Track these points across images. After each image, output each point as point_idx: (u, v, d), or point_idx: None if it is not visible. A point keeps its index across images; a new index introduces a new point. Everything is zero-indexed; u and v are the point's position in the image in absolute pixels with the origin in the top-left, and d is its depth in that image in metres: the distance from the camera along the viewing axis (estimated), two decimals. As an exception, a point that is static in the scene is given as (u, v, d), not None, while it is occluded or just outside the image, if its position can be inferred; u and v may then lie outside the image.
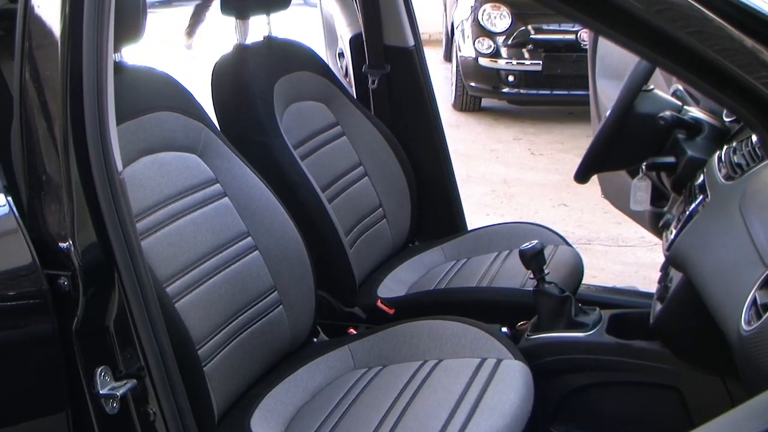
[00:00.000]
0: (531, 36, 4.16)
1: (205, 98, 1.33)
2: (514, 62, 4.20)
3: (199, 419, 0.84)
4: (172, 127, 1.09)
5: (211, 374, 0.99)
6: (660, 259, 1.14)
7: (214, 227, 1.09)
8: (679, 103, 1.18)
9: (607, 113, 1.22)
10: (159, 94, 1.11)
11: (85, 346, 0.73)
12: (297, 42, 1.65)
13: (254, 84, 1.40)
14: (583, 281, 1.54)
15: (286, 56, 1.57)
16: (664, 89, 1.30)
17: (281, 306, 1.16)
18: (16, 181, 0.75)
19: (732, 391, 1.00)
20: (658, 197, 1.34)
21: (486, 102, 4.76)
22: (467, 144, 4.10)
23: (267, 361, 1.13)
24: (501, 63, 4.23)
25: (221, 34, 1.92)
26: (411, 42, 1.77)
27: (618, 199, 1.85)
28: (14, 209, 0.71)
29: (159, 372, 0.75)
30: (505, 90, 4.25)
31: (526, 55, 4.19)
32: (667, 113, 1.11)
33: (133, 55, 1.06)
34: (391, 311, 1.40)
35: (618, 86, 1.20)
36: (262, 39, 1.53)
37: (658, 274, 1.16)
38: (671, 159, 1.12)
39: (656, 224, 1.24)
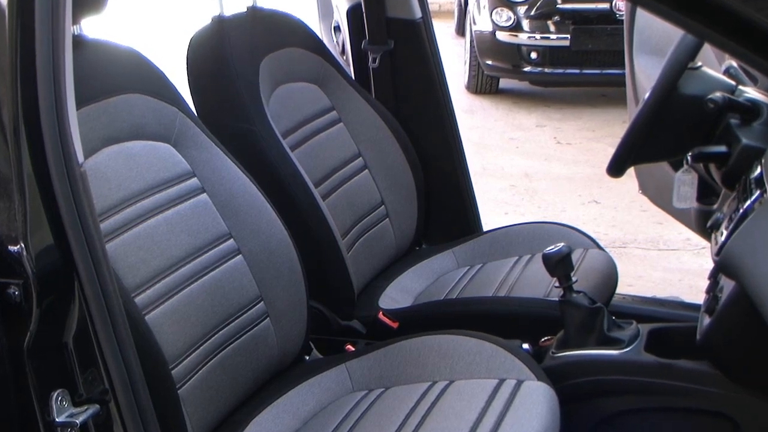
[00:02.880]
0: (557, 5, 4.15)
1: (181, 79, 1.33)
2: (538, 36, 4.19)
3: (173, 450, 0.83)
4: (141, 111, 1.08)
5: (187, 398, 0.98)
6: (708, 264, 1.13)
7: (190, 228, 1.09)
8: (733, 83, 1.17)
9: (647, 95, 1.20)
10: (126, 73, 1.10)
11: (39, 366, 0.73)
12: (286, 13, 1.65)
13: (236, 63, 1.40)
14: (618, 290, 1.53)
15: (273, 30, 1.57)
16: (715, 66, 1.28)
17: (268, 318, 1.15)
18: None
19: (795, 419, 0.99)
20: (705, 193, 1.33)
21: (504, 83, 4.75)
22: (483, 132, 4.10)
23: (251, 383, 1.12)
24: (522, 37, 4.21)
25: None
26: (418, 14, 1.76)
27: (658, 195, 1.83)
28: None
29: (126, 396, 0.75)
30: (527, 69, 4.24)
31: (552, 28, 4.18)
32: (718, 94, 1.10)
33: (95, 27, 1.05)
34: (395, 325, 1.39)
35: (659, 63, 1.19)
36: (245, 10, 1.52)
37: (705, 283, 1.15)
38: (722, 148, 1.11)
39: (704, 224, 1.23)
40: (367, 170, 1.66)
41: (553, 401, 1.03)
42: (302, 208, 1.36)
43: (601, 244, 1.77)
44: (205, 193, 1.15)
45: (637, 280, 2.53)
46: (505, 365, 1.10)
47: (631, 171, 1.50)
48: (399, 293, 1.54)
